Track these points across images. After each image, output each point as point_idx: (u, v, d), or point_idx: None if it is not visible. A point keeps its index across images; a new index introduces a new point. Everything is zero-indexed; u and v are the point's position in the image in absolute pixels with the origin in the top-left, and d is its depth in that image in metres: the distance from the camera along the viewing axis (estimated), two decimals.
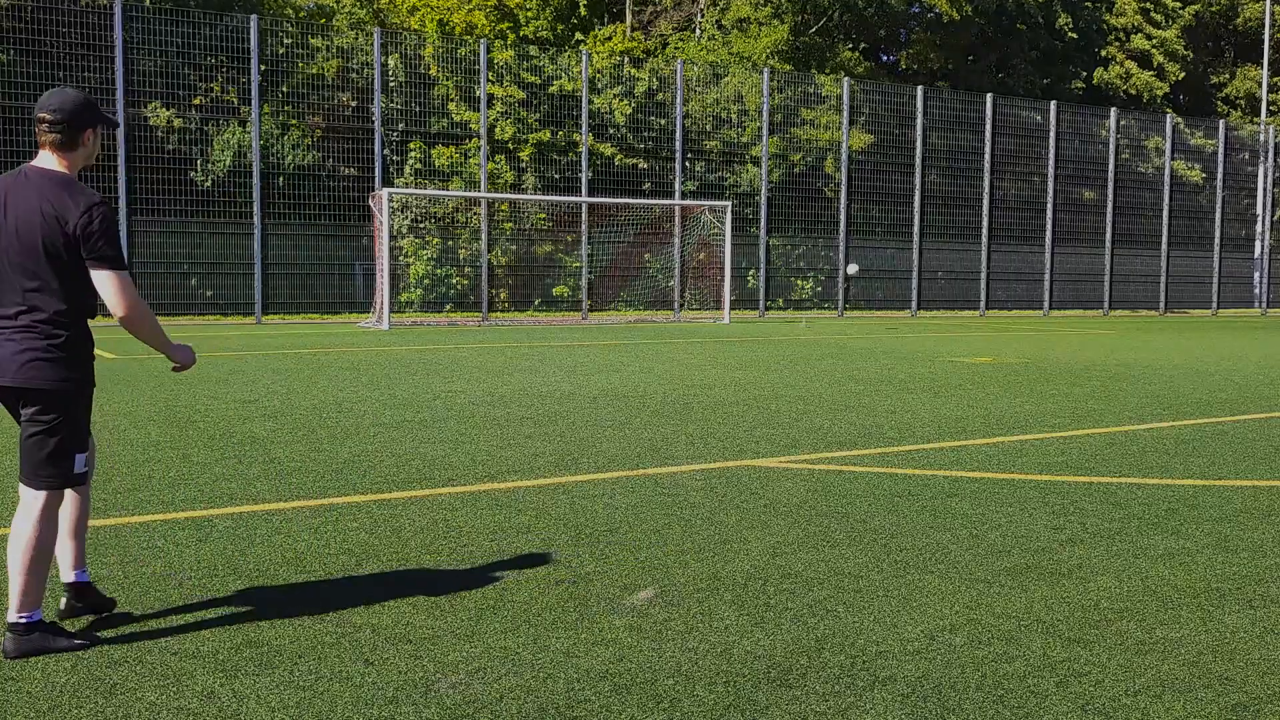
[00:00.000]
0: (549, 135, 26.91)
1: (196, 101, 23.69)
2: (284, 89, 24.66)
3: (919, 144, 31.25)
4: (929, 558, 4.85)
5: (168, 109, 23.30)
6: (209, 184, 23.49)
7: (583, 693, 3.32)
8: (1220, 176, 37.28)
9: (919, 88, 31.91)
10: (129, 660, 3.55)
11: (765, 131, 29.08)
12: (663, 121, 28.46)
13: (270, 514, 5.52)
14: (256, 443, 7.61)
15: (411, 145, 25.74)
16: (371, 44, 25.06)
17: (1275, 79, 45.98)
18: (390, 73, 25.56)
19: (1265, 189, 38.64)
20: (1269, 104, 45.46)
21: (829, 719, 3.15)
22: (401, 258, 25.39)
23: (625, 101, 27.88)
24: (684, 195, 28.13)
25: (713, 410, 9.55)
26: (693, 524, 5.42)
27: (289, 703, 3.23)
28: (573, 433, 8.21)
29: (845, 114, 30.14)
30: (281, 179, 24.13)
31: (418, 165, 25.82)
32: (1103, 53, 42.83)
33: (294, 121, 24.76)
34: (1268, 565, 4.81)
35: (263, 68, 23.81)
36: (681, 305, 28.21)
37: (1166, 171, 36.05)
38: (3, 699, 3.24)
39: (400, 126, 25.73)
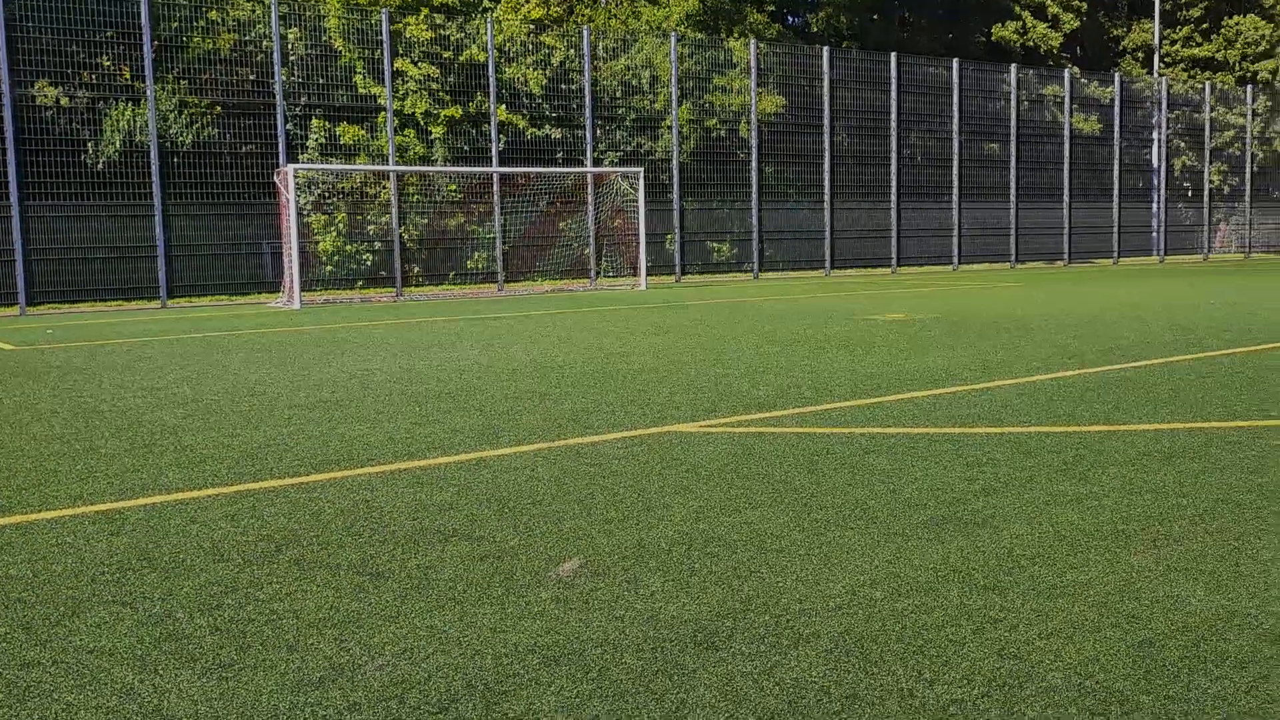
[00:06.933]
0: (459, 112, 26.48)
1: (87, 79, 22.84)
2: (179, 65, 23.88)
3: (826, 104, 31.48)
4: (848, 515, 4.94)
5: (56, 88, 22.43)
6: (101, 166, 22.69)
7: (511, 667, 3.32)
8: (1117, 128, 38.26)
9: (824, 48, 32.10)
10: (42, 662, 3.46)
11: (675, 98, 29.02)
12: (574, 89, 28.22)
13: (184, 503, 5.40)
14: (167, 431, 7.44)
15: (315, 121, 25.15)
16: (269, 16, 24.38)
17: (1167, 31, 47.23)
18: (291, 46, 24.90)
19: (1160, 140, 39.76)
20: (1162, 56, 46.71)
21: (755, 679, 3.20)
22: (310, 235, 24.87)
23: (536, 71, 27.56)
24: (597, 163, 28.00)
25: (632, 378, 9.58)
26: (616, 493, 5.44)
27: (212, 695, 3.18)
28: (492, 406, 8.17)
29: (753, 77, 30.22)
30: (179, 158, 23.42)
31: (322, 140, 25.25)
32: (1003, 3, 43.48)
33: (191, 98, 24.02)
34: (1169, 506, 4.99)
35: (155, 43, 23.03)
36: (598, 273, 28.15)
37: (1066, 125, 36.88)
38: None
39: (303, 101, 25.12)
